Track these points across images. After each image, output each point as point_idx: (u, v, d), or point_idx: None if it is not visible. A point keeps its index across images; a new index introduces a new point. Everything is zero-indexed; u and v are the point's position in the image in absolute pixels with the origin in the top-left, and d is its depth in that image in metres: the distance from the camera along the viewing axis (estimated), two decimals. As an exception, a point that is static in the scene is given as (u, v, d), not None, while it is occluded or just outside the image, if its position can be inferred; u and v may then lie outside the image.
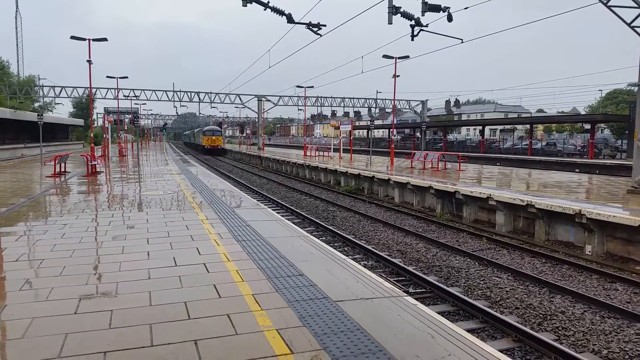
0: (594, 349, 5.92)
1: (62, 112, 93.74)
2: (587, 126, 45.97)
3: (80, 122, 71.70)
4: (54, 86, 53.19)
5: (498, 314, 6.71)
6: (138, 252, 6.88)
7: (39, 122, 26.20)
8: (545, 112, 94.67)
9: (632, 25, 13.16)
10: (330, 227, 12.92)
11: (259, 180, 27.41)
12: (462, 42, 18.19)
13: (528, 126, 50.99)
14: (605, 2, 12.89)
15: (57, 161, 19.95)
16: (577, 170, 28.83)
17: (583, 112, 78.85)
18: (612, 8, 12.96)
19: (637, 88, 13.85)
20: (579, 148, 45.89)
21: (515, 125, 62.93)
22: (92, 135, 30.14)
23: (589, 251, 10.40)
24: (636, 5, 12.81)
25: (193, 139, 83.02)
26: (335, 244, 11.25)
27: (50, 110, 69.17)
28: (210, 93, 58.60)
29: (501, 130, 73.74)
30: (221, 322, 4.37)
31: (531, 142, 46.41)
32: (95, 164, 21.43)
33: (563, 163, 33.64)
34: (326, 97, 60.37)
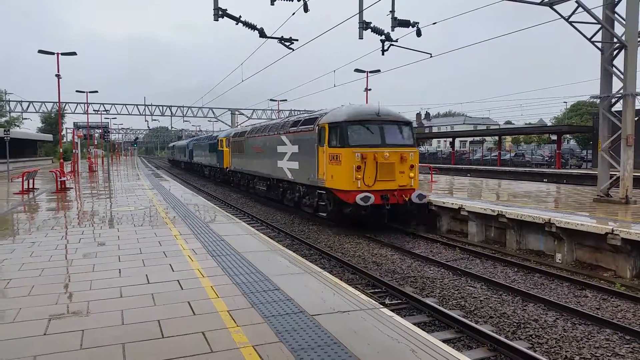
0: (566, 355, 6.03)
1: (30, 127, 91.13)
2: (554, 137, 47.28)
3: (48, 137, 70.03)
4: (22, 101, 52.05)
5: (473, 324, 6.78)
6: (109, 270, 6.74)
7: (5, 138, 25.53)
8: (513, 124, 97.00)
9: (592, 40, 13.67)
10: (306, 241, 12.89)
11: (234, 194, 27.18)
12: (431, 57, 18.53)
13: (497, 138, 52.17)
14: (567, 18, 13.35)
15: (25, 177, 19.42)
16: (545, 180, 29.57)
17: (549, 124, 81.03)
18: (574, 24, 13.43)
19: (599, 100, 14.35)
20: (547, 158, 47.18)
21: (485, 137, 64.28)
22: (61, 150, 29.47)
23: (559, 259, 10.64)
24: (595, 22, 13.32)
25: (213, 160, 33.27)
26: (312, 257, 11.22)
27: (18, 126, 67.33)
28: (183, 107, 58.23)
29: (471, 142, 75.18)
30: (196, 340, 4.30)
31: (500, 153, 47.45)
32: (64, 180, 20.94)
33: (531, 173, 34.45)
34: (300, 111, 60.59)
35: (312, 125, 15.28)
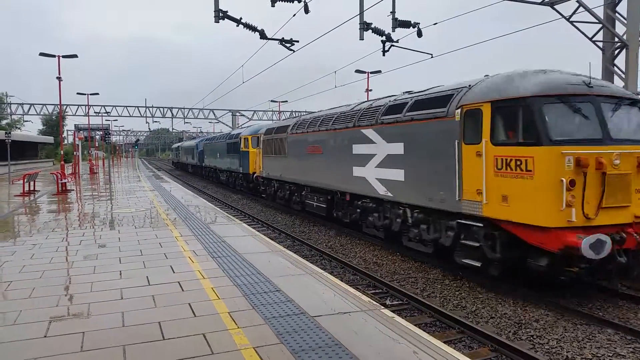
0: (567, 355, 6.01)
1: (31, 129, 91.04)
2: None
3: (50, 139, 70.18)
4: (23, 103, 52.25)
5: (474, 325, 6.77)
6: (110, 272, 6.75)
7: (6, 140, 25.58)
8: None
9: (593, 39, 13.67)
10: (307, 242, 12.88)
11: (234, 195, 27.21)
12: (432, 57, 18.53)
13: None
14: (568, 18, 13.35)
15: (26, 180, 19.45)
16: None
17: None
18: (575, 23, 13.44)
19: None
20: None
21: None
22: (62, 152, 29.51)
23: (560, 259, 10.58)
24: (596, 21, 13.31)
25: (234, 163, 27.73)
26: (313, 258, 11.21)
27: (19, 128, 67.54)
28: (184, 108, 58.34)
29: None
30: (197, 342, 4.30)
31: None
32: (65, 182, 20.97)
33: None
34: (301, 112, 60.65)
35: (444, 109, 8.97)
